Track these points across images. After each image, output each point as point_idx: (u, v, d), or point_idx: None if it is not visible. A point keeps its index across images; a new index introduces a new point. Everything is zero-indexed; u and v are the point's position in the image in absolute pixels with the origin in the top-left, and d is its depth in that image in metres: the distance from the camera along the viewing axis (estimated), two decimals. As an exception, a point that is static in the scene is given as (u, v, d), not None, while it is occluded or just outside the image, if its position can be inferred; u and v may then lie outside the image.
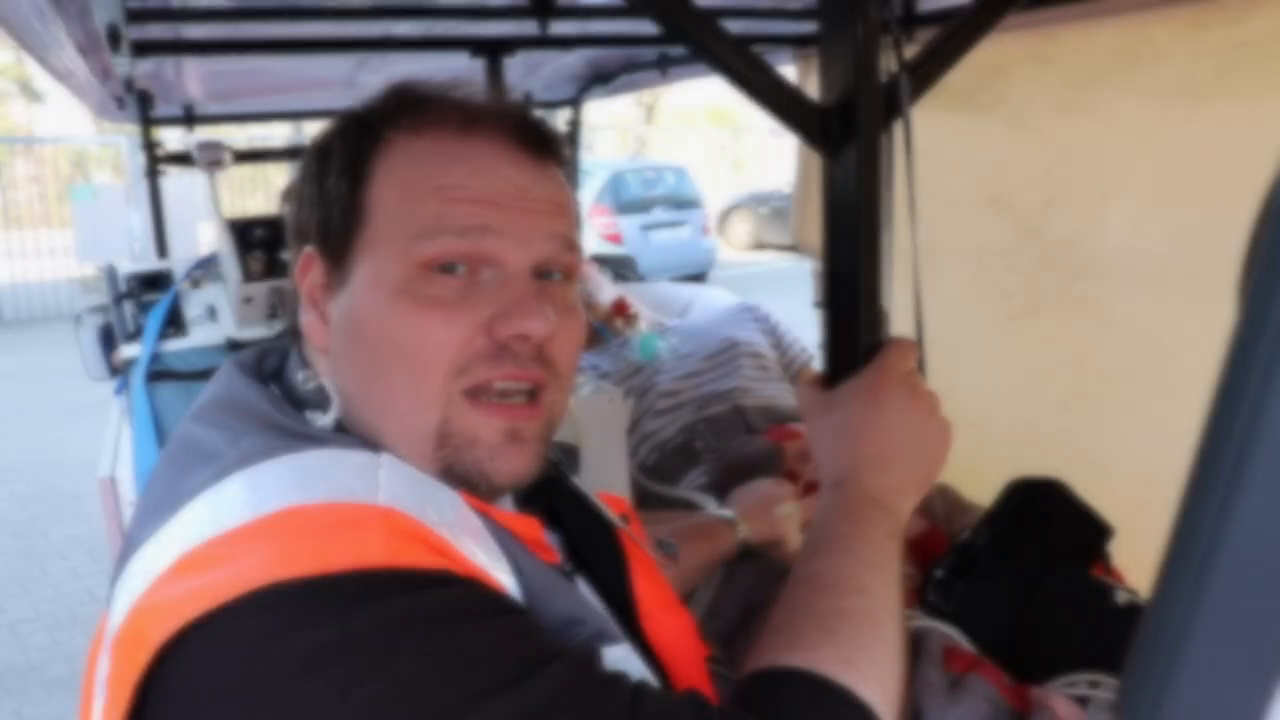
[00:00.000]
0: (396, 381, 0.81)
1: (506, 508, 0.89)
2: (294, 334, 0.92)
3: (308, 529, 0.67)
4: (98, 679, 0.73)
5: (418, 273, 0.80)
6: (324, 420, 0.82)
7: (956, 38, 1.09)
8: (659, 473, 1.91)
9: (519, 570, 0.77)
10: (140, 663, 0.65)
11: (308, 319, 0.87)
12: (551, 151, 0.88)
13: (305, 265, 0.88)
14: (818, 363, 2.27)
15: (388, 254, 0.81)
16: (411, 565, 0.67)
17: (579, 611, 0.78)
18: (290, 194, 0.91)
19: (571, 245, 0.87)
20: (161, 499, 0.75)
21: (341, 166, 0.85)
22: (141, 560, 0.72)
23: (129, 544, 0.76)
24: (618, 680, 0.70)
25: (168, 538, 0.71)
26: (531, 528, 0.83)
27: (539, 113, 0.91)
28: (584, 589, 0.90)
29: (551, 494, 0.99)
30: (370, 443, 0.82)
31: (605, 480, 1.57)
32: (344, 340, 0.84)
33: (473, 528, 0.76)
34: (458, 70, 2.50)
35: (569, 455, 1.06)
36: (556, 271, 0.87)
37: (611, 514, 0.99)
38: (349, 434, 0.83)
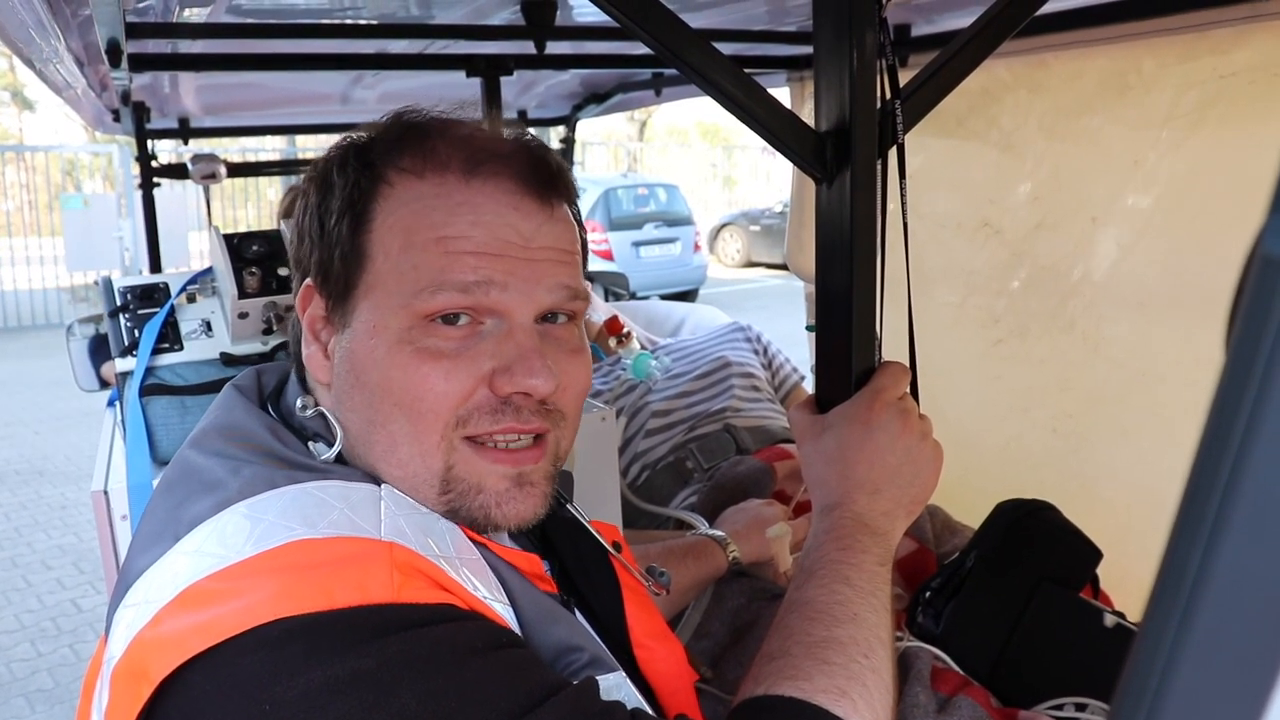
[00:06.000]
0: (396, 429, 0.80)
1: (503, 538, 0.90)
2: (295, 357, 0.91)
3: (311, 564, 0.67)
4: (95, 708, 0.73)
5: (419, 323, 0.79)
6: (326, 455, 0.82)
7: (950, 66, 1.10)
8: (650, 492, 1.91)
9: (516, 600, 0.77)
10: (142, 696, 0.65)
11: (309, 351, 0.86)
12: (559, 191, 0.86)
13: (306, 297, 0.87)
14: (809, 383, 2.28)
15: (389, 303, 0.80)
16: (414, 600, 0.67)
17: (575, 640, 0.79)
18: (289, 218, 0.90)
19: (577, 294, 0.86)
20: (161, 526, 0.75)
21: (343, 206, 0.83)
22: (141, 590, 0.72)
23: (127, 570, 0.76)
24: (615, 710, 0.71)
25: (169, 567, 0.71)
26: (532, 564, 0.84)
27: (542, 136, 0.90)
28: (578, 616, 0.90)
29: (545, 520, 1.00)
30: (371, 474, 0.82)
31: (597, 499, 1.58)
32: (344, 382, 0.83)
33: (471, 559, 0.77)
34: (453, 87, 2.51)
35: (565, 481, 1.07)
36: (562, 315, 0.86)
37: (605, 541, 0.99)
38: (350, 465, 0.83)
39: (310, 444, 0.83)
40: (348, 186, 0.83)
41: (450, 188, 0.82)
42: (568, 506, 1.01)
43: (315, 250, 0.85)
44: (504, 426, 0.81)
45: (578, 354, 0.87)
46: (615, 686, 0.77)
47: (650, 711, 0.78)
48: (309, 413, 0.85)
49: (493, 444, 0.82)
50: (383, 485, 0.78)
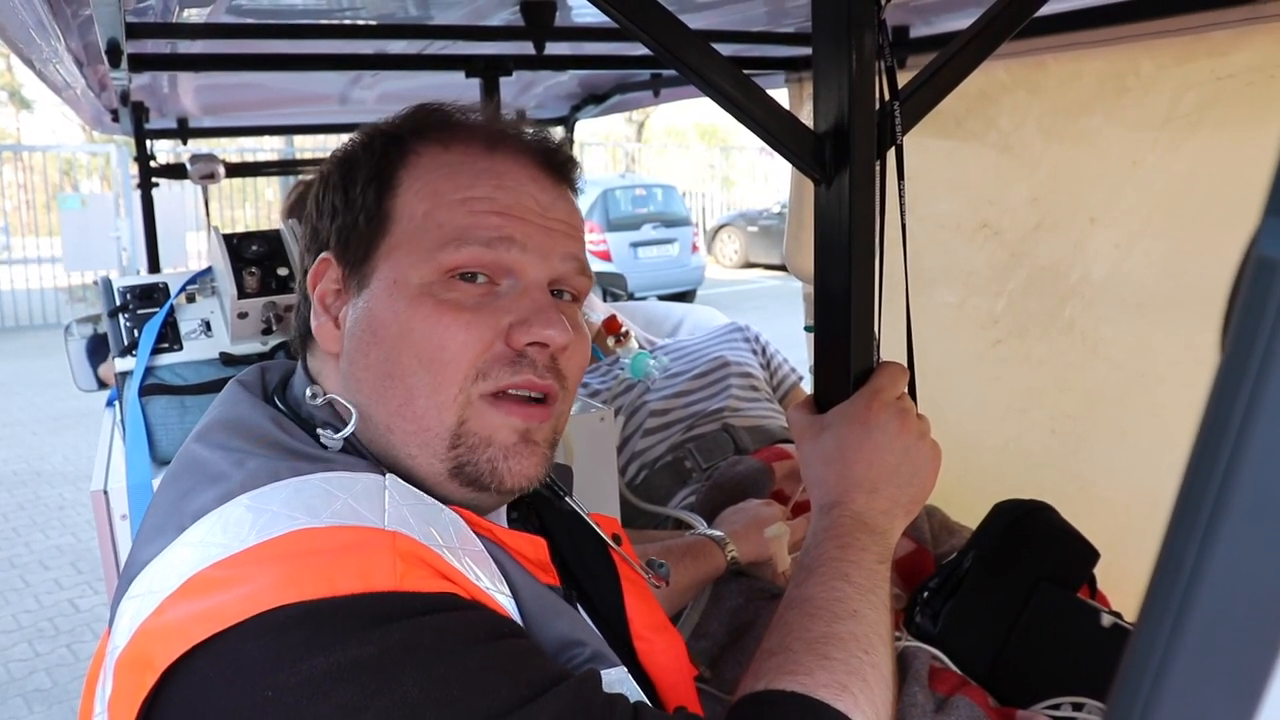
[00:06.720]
0: (414, 381, 0.82)
1: (500, 519, 0.91)
2: (301, 345, 0.93)
3: (314, 552, 0.67)
4: (98, 700, 0.73)
5: (441, 278, 0.83)
6: (335, 438, 0.83)
7: (949, 67, 1.10)
8: (648, 491, 1.91)
9: (518, 592, 0.77)
10: (146, 684, 0.65)
11: (319, 323, 0.88)
12: (568, 176, 0.92)
13: (319, 271, 0.89)
14: (807, 383, 2.29)
15: (412, 259, 0.83)
16: (416, 589, 0.67)
17: (577, 633, 0.79)
18: (294, 216, 0.92)
19: (584, 269, 0.90)
20: (166, 518, 0.75)
21: (369, 175, 0.87)
22: (145, 581, 0.72)
23: (131, 563, 0.76)
24: (617, 702, 0.71)
25: (173, 558, 0.71)
26: (537, 548, 0.84)
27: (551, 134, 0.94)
28: (580, 610, 0.90)
29: (544, 513, 1.00)
30: (378, 459, 0.83)
31: (595, 498, 1.58)
32: (359, 342, 0.85)
33: (474, 550, 0.77)
34: (452, 88, 2.51)
35: (564, 475, 1.07)
36: (567, 292, 0.90)
37: (604, 534, 1.00)
38: (355, 454, 0.83)
39: (319, 431, 0.84)
40: (375, 158, 0.88)
41: (475, 156, 0.87)
42: (566, 499, 1.01)
43: (337, 218, 0.88)
44: (522, 379, 0.84)
45: (580, 330, 0.90)
46: (618, 681, 0.77)
47: (651, 706, 0.78)
48: (318, 401, 0.86)
49: (508, 395, 0.84)
50: (387, 475, 0.79)
